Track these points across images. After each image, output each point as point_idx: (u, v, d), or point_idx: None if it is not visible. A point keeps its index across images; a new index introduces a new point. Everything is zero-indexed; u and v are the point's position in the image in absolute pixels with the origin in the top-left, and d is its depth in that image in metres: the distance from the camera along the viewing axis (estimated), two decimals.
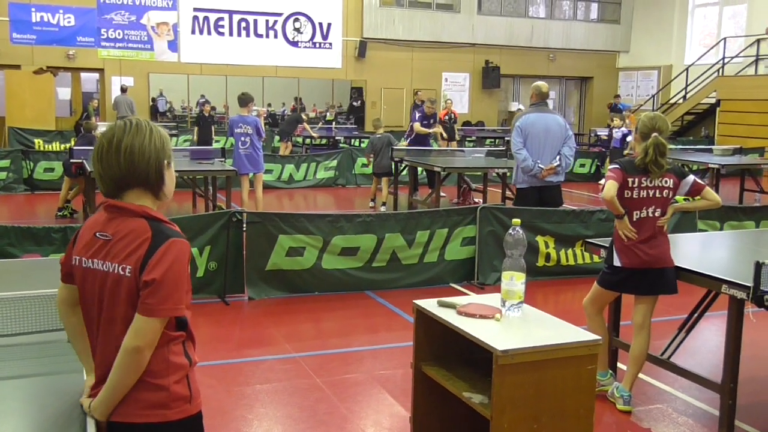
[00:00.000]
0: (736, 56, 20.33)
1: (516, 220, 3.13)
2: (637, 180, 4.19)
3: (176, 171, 2.15)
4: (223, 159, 9.94)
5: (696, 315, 4.67)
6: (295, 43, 20.64)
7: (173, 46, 19.29)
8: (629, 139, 13.33)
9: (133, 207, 1.99)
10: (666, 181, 4.20)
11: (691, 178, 4.28)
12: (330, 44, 21.01)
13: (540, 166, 7.22)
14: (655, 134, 4.18)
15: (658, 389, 4.71)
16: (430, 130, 12.60)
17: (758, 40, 19.57)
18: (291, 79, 22.15)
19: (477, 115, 22.50)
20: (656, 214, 4.22)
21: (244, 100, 9.74)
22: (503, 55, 22.74)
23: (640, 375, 4.83)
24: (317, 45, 20.90)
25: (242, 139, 9.52)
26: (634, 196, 4.20)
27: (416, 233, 6.79)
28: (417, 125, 12.44)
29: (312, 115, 22.96)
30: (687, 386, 4.64)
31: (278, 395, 4.46)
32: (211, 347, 5.22)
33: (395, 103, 21.28)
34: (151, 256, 1.92)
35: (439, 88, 22.25)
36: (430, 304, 3.20)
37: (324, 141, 18.04)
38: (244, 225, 6.24)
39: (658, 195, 4.21)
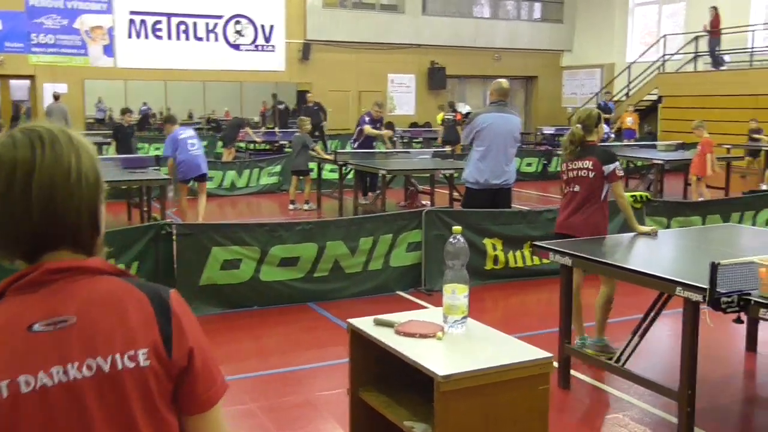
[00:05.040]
0: (676, 53, 20.60)
1: (457, 228, 2.86)
2: (565, 165, 5.04)
3: (107, 181, 1.40)
4: (157, 167, 9.50)
5: (649, 319, 4.49)
6: (236, 46, 20.18)
7: (109, 50, 18.65)
8: None
9: (96, 263, 1.27)
10: (586, 163, 4.88)
11: (612, 166, 4.85)
12: (273, 47, 20.61)
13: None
14: (575, 126, 4.98)
15: (615, 397, 4.50)
16: (381, 132, 12.28)
17: (696, 37, 19.84)
18: (233, 83, 21.67)
19: (424, 116, 22.33)
20: (575, 189, 4.96)
21: (173, 119, 9.91)
22: (449, 55, 22.64)
23: (599, 384, 4.64)
24: (260, 48, 20.47)
25: (190, 141, 9.30)
26: (564, 177, 5.07)
27: (359, 240, 6.50)
28: (368, 128, 12.18)
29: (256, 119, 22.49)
30: (642, 392, 4.44)
31: None
32: None
33: (341, 105, 20.97)
34: (168, 325, 1.26)
35: (385, 89, 22.02)
36: (365, 324, 2.90)
37: (267, 146, 17.58)
38: (174, 238, 5.85)
39: (578, 175, 4.93)
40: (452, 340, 2.73)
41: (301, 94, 21.40)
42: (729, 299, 3.34)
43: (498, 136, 7.04)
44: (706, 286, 3.39)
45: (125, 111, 13.03)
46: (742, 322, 4.75)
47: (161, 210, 8.80)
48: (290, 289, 6.26)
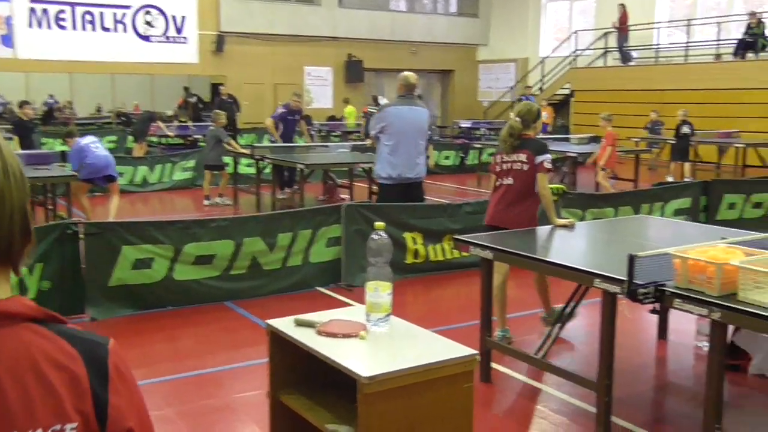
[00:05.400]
0: (587, 49, 21.19)
1: (380, 224, 2.78)
2: (500, 157, 5.08)
3: None
4: (63, 164, 9.07)
5: (568, 311, 4.55)
6: (146, 38, 19.53)
7: (8, 41, 17.72)
8: None
9: (16, 307, 0.99)
10: (521, 156, 4.97)
11: (541, 158, 4.93)
12: (185, 38, 20.06)
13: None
14: (514, 119, 5.03)
15: (535, 389, 4.54)
16: (275, 134, 11.81)
17: (606, 33, 20.46)
18: (143, 75, 21.00)
19: (341, 109, 22.22)
20: (509, 182, 5.01)
21: (72, 133, 9.57)
22: (366, 48, 22.59)
23: (519, 376, 4.67)
24: (171, 39, 19.90)
25: (93, 145, 9.02)
26: (497, 169, 5.12)
27: (277, 236, 6.35)
28: (269, 120, 11.88)
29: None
30: (562, 383, 4.49)
31: None
32: None
33: (256, 98, 20.63)
34: (105, 391, 1.00)
35: (302, 82, 21.80)
36: (285, 324, 2.79)
37: (181, 140, 17.10)
38: (82, 237, 5.56)
39: (513, 168, 5.00)
40: (376, 339, 2.66)
41: (215, 87, 20.95)
42: (646, 290, 3.39)
43: (408, 130, 6.96)
44: (623, 277, 3.43)
45: (23, 104, 12.32)
46: (658, 312, 4.88)
47: (67, 208, 8.40)
48: (206, 288, 6.06)
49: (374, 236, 2.74)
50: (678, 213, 8.59)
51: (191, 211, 11.03)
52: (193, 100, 21.34)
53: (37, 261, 5.38)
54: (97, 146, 8.99)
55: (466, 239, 4.64)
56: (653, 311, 4.68)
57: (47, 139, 14.99)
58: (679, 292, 3.31)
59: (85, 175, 8.86)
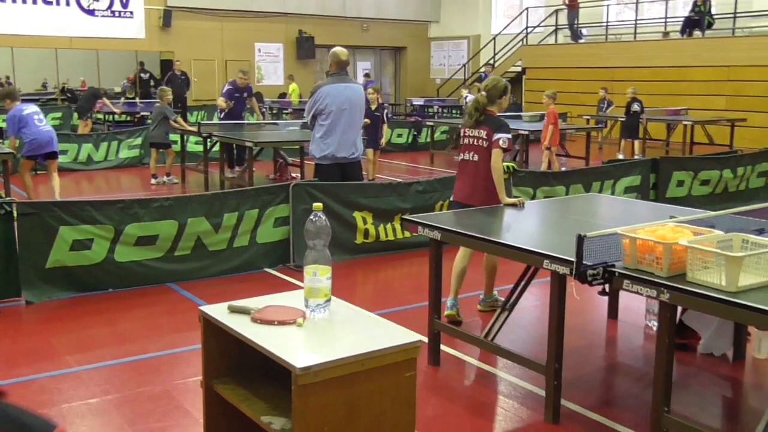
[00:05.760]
0: (538, 26, 21.21)
1: (317, 205, 2.64)
2: (463, 131, 5.11)
3: None
4: (1, 141, 8.70)
5: (517, 292, 4.49)
6: (91, 12, 18.90)
7: None
8: None
9: None
10: (480, 132, 4.97)
11: (498, 135, 4.87)
12: (131, 13, 19.47)
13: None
14: (480, 93, 5.03)
15: (484, 372, 4.47)
16: (221, 105, 11.55)
17: (557, 11, 20.49)
18: (89, 51, 20.34)
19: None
20: (474, 159, 4.99)
21: (13, 94, 8.96)
22: (317, 24, 22.25)
23: (469, 359, 4.60)
24: (116, 14, 19.29)
25: (36, 117, 8.66)
26: (461, 143, 5.13)
27: (223, 216, 6.17)
28: (220, 99, 11.60)
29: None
30: (511, 366, 4.44)
31: None
32: None
33: (206, 75, 20.16)
34: None
35: (252, 59, 21.38)
36: (218, 311, 2.64)
37: (128, 117, 16.64)
38: (15, 217, 5.31)
39: (475, 143, 4.99)
40: (314, 326, 2.53)
41: (165, 64, 20.41)
42: (594, 271, 3.33)
43: (345, 108, 6.72)
44: (572, 258, 3.36)
45: None
46: (607, 294, 4.84)
47: (5, 186, 8.07)
48: (148, 269, 5.86)
49: (312, 218, 2.60)
50: (628, 190, 8.63)
51: (138, 191, 10.73)
52: (146, 76, 20.76)
53: None
54: (41, 119, 8.65)
55: (414, 219, 4.53)
56: (602, 293, 4.63)
57: None
58: (627, 273, 3.26)
59: (28, 152, 8.55)
